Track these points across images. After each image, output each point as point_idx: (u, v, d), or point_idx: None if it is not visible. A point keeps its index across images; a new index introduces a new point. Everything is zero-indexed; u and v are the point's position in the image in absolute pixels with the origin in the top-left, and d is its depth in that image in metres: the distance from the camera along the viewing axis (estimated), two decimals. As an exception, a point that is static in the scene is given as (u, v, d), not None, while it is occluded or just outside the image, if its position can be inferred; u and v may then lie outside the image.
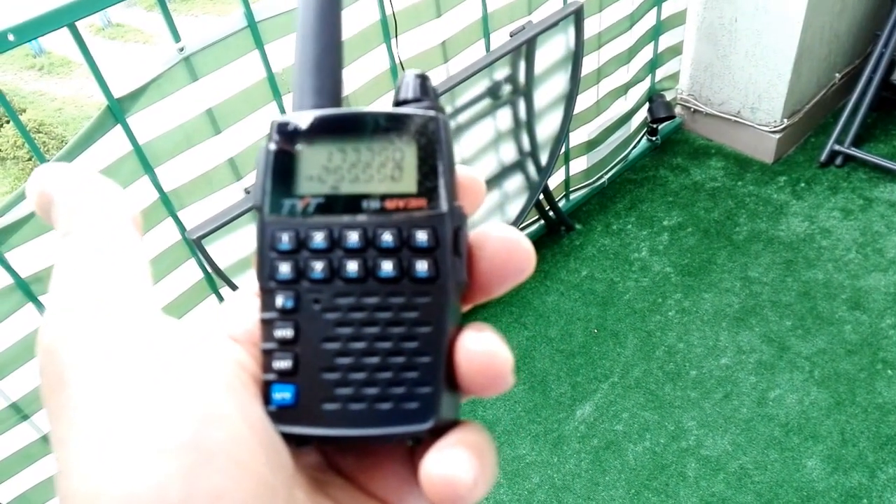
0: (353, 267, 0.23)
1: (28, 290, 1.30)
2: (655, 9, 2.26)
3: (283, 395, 0.23)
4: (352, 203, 0.24)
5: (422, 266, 0.23)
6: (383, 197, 0.24)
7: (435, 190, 0.24)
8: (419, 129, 0.24)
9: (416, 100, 0.25)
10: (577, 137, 2.31)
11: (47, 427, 1.07)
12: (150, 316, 0.21)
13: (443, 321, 0.23)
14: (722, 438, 1.81)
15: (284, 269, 0.23)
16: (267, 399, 0.23)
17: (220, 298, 1.67)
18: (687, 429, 1.84)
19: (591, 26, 2.04)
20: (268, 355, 0.23)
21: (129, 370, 0.20)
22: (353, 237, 0.23)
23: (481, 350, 0.23)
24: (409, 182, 0.24)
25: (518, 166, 2.11)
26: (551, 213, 2.34)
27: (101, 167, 1.30)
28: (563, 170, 2.36)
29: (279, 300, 0.23)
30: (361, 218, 0.23)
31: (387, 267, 0.23)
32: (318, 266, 0.23)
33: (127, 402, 0.19)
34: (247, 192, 1.50)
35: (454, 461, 0.22)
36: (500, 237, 0.24)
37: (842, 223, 2.25)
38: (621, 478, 1.78)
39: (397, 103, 0.25)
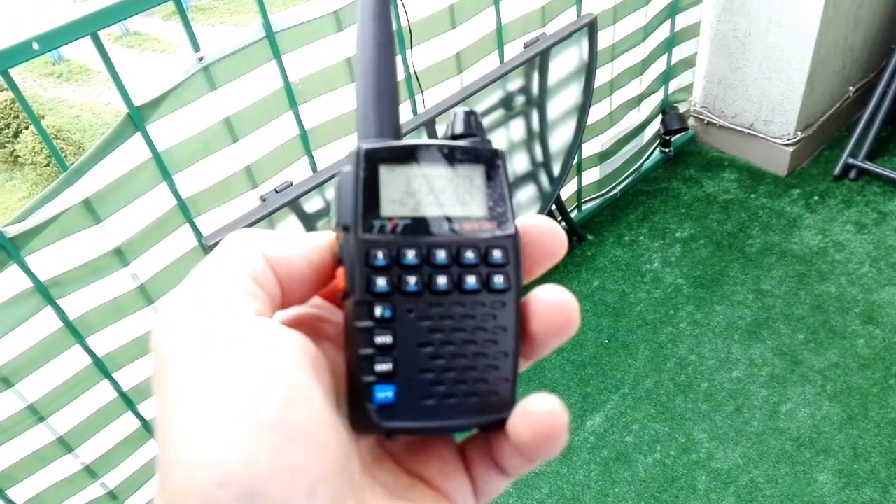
0: (442, 281, 0.26)
1: (47, 293, 1.33)
2: (669, 21, 2.27)
3: (385, 394, 0.26)
4: (435, 224, 0.27)
5: (498, 279, 0.27)
6: (462, 220, 0.27)
7: (504, 213, 0.28)
8: (487, 160, 0.28)
9: (468, 135, 0.28)
10: (590, 148, 2.32)
11: (62, 429, 1.08)
12: (244, 315, 0.24)
13: (516, 324, 0.27)
14: (733, 451, 1.80)
15: (381, 282, 0.26)
16: (369, 398, 0.25)
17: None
18: (698, 441, 1.84)
19: (605, 38, 2.05)
20: (367, 359, 0.26)
21: (226, 358, 0.22)
22: (441, 255, 0.27)
23: (558, 298, 0.27)
24: (481, 207, 0.27)
25: (531, 177, 2.12)
26: (563, 224, 2.35)
27: (121, 174, 1.32)
28: (575, 180, 2.37)
29: (378, 310, 0.26)
30: (446, 238, 0.27)
31: (471, 280, 0.27)
32: (412, 280, 0.26)
33: (224, 384, 0.22)
34: (262, 199, 1.52)
35: (553, 401, 0.26)
36: (537, 226, 0.28)
37: (855, 237, 2.25)
38: (631, 490, 1.77)
39: (450, 137, 0.28)
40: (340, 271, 0.27)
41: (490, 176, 0.28)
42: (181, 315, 0.23)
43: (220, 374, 0.22)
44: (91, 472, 1.57)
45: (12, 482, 1.45)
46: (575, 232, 2.39)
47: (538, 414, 0.26)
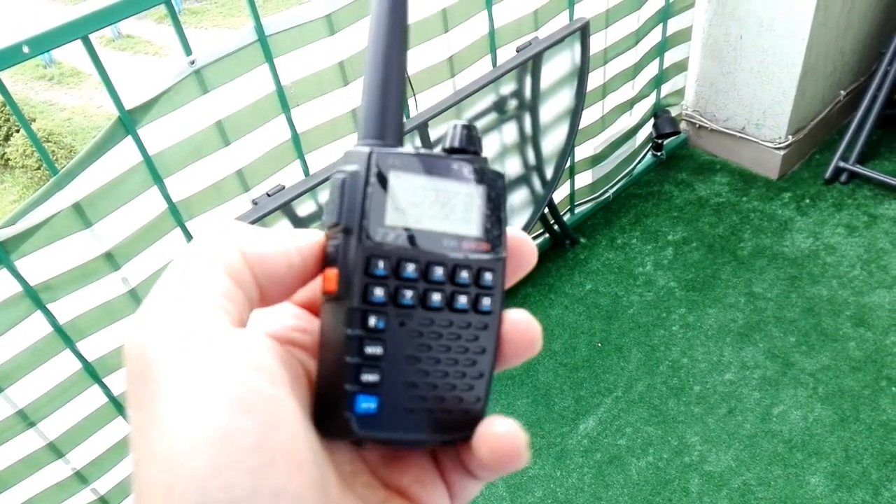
0: (437, 298, 0.26)
1: (37, 298, 1.32)
2: (661, 25, 2.28)
3: (368, 405, 0.25)
4: (436, 240, 0.27)
5: (486, 302, 0.27)
6: (461, 238, 0.27)
7: (499, 237, 0.28)
8: (490, 183, 0.28)
9: (463, 149, 0.28)
10: (583, 152, 2.33)
11: (53, 434, 1.07)
12: (221, 329, 0.23)
13: (496, 346, 0.28)
14: (725, 454, 1.81)
15: (378, 293, 0.25)
16: (349, 407, 0.25)
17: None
18: (690, 444, 1.84)
19: (597, 42, 2.05)
20: (353, 368, 0.25)
21: (204, 377, 0.21)
22: (439, 272, 0.26)
23: (522, 319, 0.28)
24: (480, 227, 0.27)
25: (523, 180, 2.12)
26: (556, 227, 2.35)
27: (112, 177, 1.32)
28: (568, 184, 2.37)
29: (371, 320, 0.25)
30: (446, 255, 0.27)
31: (462, 300, 0.27)
32: (408, 294, 0.26)
33: (202, 404, 0.21)
34: (254, 203, 1.51)
35: (512, 424, 0.26)
36: (512, 237, 0.28)
37: (846, 240, 2.26)
38: (624, 493, 1.78)
39: (447, 150, 0.28)
40: (329, 272, 0.26)
41: (491, 198, 0.28)
42: (155, 328, 0.23)
43: (198, 394, 0.21)
44: (82, 478, 1.56)
45: (3, 488, 1.44)
46: (567, 235, 2.39)
47: (498, 436, 0.26)
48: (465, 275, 0.27)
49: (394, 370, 0.26)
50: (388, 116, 0.27)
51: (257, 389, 0.22)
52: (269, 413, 0.22)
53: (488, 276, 0.27)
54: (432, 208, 0.27)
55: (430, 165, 0.27)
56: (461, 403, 0.27)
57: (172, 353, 0.22)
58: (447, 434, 0.27)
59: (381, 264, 0.25)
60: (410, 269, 0.26)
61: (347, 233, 0.25)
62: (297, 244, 0.26)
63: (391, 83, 0.27)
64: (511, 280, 0.29)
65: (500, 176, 0.28)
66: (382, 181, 0.26)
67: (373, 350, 0.25)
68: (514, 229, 0.29)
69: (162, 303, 0.23)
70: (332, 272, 0.26)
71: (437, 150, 0.28)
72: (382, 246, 0.25)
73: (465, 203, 0.27)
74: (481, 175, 0.28)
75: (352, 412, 0.25)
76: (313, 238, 0.27)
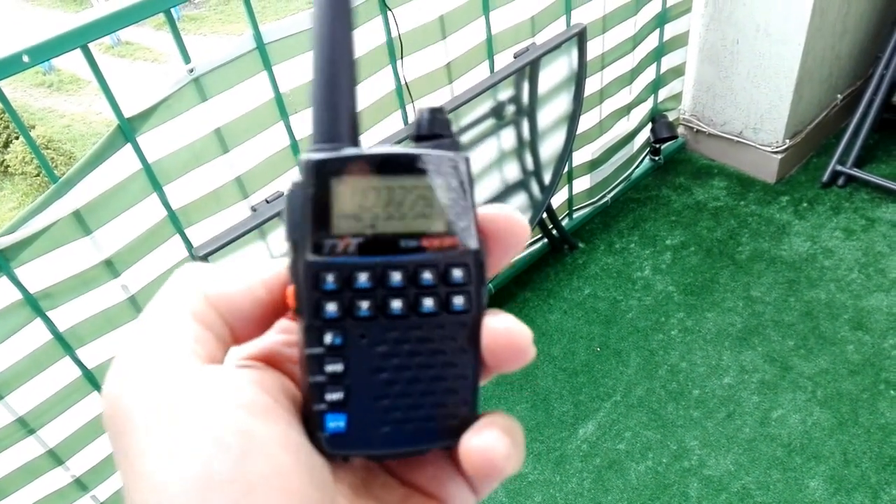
0: (397, 305, 0.25)
1: (37, 305, 1.32)
2: (658, 31, 2.29)
3: (336, 423, 0.24)
4: (391, 242, 0.25)
5: (458, 301, 0.25)
6: (419, 236, 0.25)
7: (466, 228, 0.25)
8: (449, 170, 0.25)
9: (434, 136, 0.26)
10: (581, 157, 2.33)
11: (52, 441, 1.08)
12: (192, 369, 0.23)
13: (476, 346, 0.26)
14: (724, 458, 1.81)
15: (331, 308, 0.24)
16: (321, 426, 0.24)
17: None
18: (689, 448, 1.84)
19: (595, 48, 2.06)
20: (318, 387, 0.24)
21: (177, 417, 0.22)
22: (396, 277, 0.25)
23: (503, 327, 0.25)
24: (441, 221, 0.25)
25: (521, 185, 2.13)
26: (555, 232, 2.36)
27: (111, 185, 1.32)
28: (566, 189, 2.38)
29: (327, 337, 0.24)
30: (402, 258, 0.25)
31: (428, 303, 0.25)
32: (364, 305, 0.24)
33: (177, 444, 0.21)
34: (253, 209, 1.52)
35: (489, 436, 0.24)
36: (495, 216, 0.26)
37: (844, 243, 2.26)
38: (623, 497, 1.78)
39: (416, 138, 0.26)
40: (288, 290, 0.25)
41: (452, 187, 0.25)
42: (127, 379, 0.23)
43: (172, 435, 0.22)
44: (81, 485, 1.56)
45: (2, 496, 1.44)
46: (566, 240, 2.40)
47: (471, 451, 0.24)
48: (428, 275, 0.25)
49: (359, 386, 0.25)
50: (338, 116, 0.25)
51: (229, 423, 0.22)
52: (244, 445, 0.22)
53: (458, 273, 0.25)
54: (386, 209, 0.25)
55: (380, 163, 0.25)
56: (446, 409, 0.25)
57: (144, 402, 0.22)
58: (434, 442, 0.26)
59: (329, 278, 0.24)
60: (363, 278, 0.24)
61: (296, 248, 0.24)
62: (261, 277, 0.26)
63: (339, 79, 0.25)
64: (502, 262, 0.27)
65: (462, 160, 0.25)
66: (324, 189, 0.24)
67: (333, 368, 0.24)
68: (499, 206, 0.26)
69: (133, 354, 0.23)
70: (291, 289, 0.25)
71: (408, 139, 0.27)
72: (331, 258, 0.24)
73: (422, 197, 0.25)
74: (439, 163, 0.25)
75: (322, 432, 0.24)
76: (278, 268, 0.26)
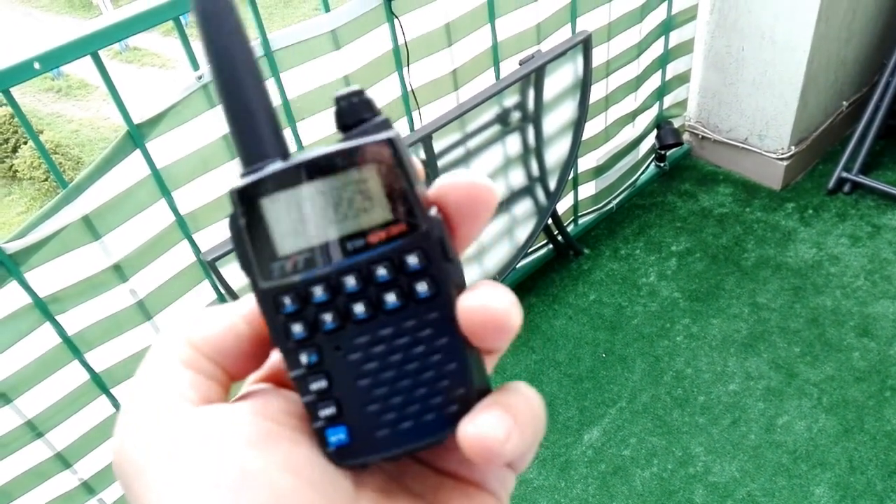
0: (360, 309, 0.24)
1: (46, 309, 1.33)
2: (663, 38, 2.30)
3: (337, 437, 0.25)
4: (337, 248, 0.24)
5: (422, 287, 0.24)
6: (364, 233, 0.24)
7: (410, 211, 0.24)
8: (376, 157, 0.24)
9: (357, 121, 0.25)
10: (586, 163, 2.34)
11: (60, 445, 1.10)
12: (185, 414, 0.24)
13: (455, 328, 0.24)
14: (730, 465, 1.81)
15: (297, 329, 0.24)
16: (324, 442, 0.25)
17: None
18: (695, 455, 1.84)
19: (600, 55, 2.07)
20: (311, 406, 0.25)
21: (176, 461, 0.23)
22: (351, 282, 0.24)
23: (476, 304, 0.24)
24: (382, 211, 0.24)
25: (527, 191, 2.13)
26: (560, 238, 2.36)
27: (120, 190, 1.33)
28: (571, 195, 2.38)
29: (303, 358, 0.25)
30: (351, 260, 0.24)
31: (391, 299, 0.24)
32: (328, 318, 0.24)
33: (178, 487, 0.22)
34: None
35: (484, 421, 0.24)
36: (456, 185, 0.25)
37: (850, 250, 2.26)
38: None
39: (342, 129, 0.25)
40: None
41: (385, 172, 0.24)
42: (128, 431, 0.24)
43: (171, 479, 0.22)
44: (89, 488, 1.57)
45: (10, 499, 1.45)
46: (571, 246, 2.40)
47: (468, 439, 0.24)
48: (382, 271, 0.24)
49: (348, 396, 0.25)
50: (256, 133, 0.24)
51: (225, 460, 0.23)
52: (240, 478, 0.22)
53: (412, 259, 0.24)
54: (322, 216, 0.24)
55: (303, 170, 0.24)
56: (441, 397, 0.25)
57: (144, 450, 0.23)
58: (441, 431, 0.25)
59: (286, 300, 0.24)
60: (319, 292, 0.24)
61: (251, 280, 0.24)
62: (240, 313, 0.26)
63: (245, 95, 0.24)
64: (474, 230, 0.25)
65: (386, 141, 0.24)
66: (255, 213, 0.24)
67: (318, 385, 0.25)
68: (456, 173, 0.25)
69: (132, 406, 0.25)
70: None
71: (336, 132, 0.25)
72: (282, 281, 0.24)
73: (356, 192, 0.24)
74: (361, 153, 0.24)
75: (326, 447, 0.25)
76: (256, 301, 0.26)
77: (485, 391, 0.26)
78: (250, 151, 0.24)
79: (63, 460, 1.49)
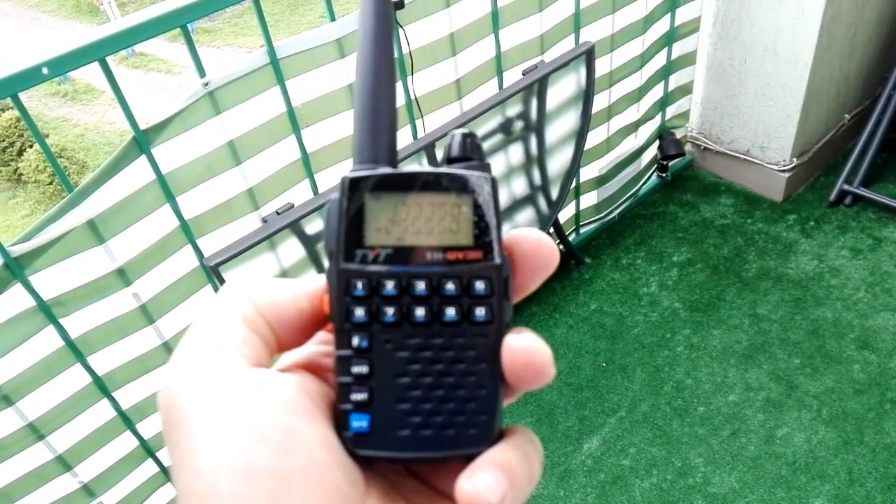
0: (421, 312, 0.26)
1: (50, 312, 1.34)
2: (666, 49, 2.31)
3: (360, 423, 0.26)
4: (418, 254, 0.27)
5: (480, 311, 0.27)
6: (445, 249, 0.27)
7: (490, 244, 0.27)
8: (475, 189, 0.27)
9: (464, 158, 0.28)
10: (588, 173, 2.35)
11: (61, 447, 1.11)
12: (240, 370, 0.25)
13: (497, 358, 0.27)
14: (729, 476, 1.81)
15: (359, 312, 0.26)
16: (345, 426, 0.26)
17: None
18: (694, 465, 1.84)
19: (603, 65, 2.08)
20: (344, 388, 0.26)
21: (224, 414, 0.24)
22: (421, 286, 0.26)
23: (522, 346, 0.26)
24: (466, 236, 0.27)
25: (529, 200, 2.14)
26: (561, 247, 2.37)
27: (125, 195, 1.35)
28: (573, 204, 2.39)
29: (355, 340, 0.26)
30: (427, 269, 0.27)
31: (450, 312, 0.26)
32: (390, 311, 0.26)
33: (223, 438, 0.24)
34: (264, 220, 1.54)
35: (481, 481, 0.25)
36: (525, 238, 0.28)
37: (851, 262, 2.27)
38: (627, 513, 1.78)
39: (448, 160, 0.28)
40: (325, 297, 0.27)
41: (478, 204, 0.27)
42: (181, 377, 0.25)
43: (219, 430, 0.24)
44: (89, 491, 1.57)
45: (10, 501, 1.46)
46: (573, 255, 2.41)
47: (464, 497, 0.24)
48: (451, 286, 0.26)
49: (382, 387, 0.26)
50: (377, 141, 0.28)
51: (272, 420, 0.24)
52: (284, 440, 0.24)
53: (480, 285, 0.27)
54: (414, 224, 0.27)
55: (411, 181, 0.27)
56: (464, 418, 0.26)
57: (196, 397, 0.24)
58: (452, 451, 0.26)
59: (359, 285, 0.26)
60: (390, 286, 0.26)
61: (332, 257, 0.27)
62: (305, 290, 0.28)
63: (380, 108, 0.28)
64: (531, 283, 0.28)
65: (488, 181, 0.27)
66: (358, 204, 0.26)
67: (359, 369, 0.26)
68: (530, 230, 0.28)
69: (186, 354, 0.26)
70: (326, 297, 0.27)
71: (440, 161, 0.29)
72: (362, 266, 0.26)
73: (448, 213, 0.27)
74: (466, 183, 0.27)
75: (347, 431, 0.26)
76: (320, 283, 0.28)
77: (496, 430, 0.27)
78: (365, 153, 0.28)
79: (64, 463, 1.49)
